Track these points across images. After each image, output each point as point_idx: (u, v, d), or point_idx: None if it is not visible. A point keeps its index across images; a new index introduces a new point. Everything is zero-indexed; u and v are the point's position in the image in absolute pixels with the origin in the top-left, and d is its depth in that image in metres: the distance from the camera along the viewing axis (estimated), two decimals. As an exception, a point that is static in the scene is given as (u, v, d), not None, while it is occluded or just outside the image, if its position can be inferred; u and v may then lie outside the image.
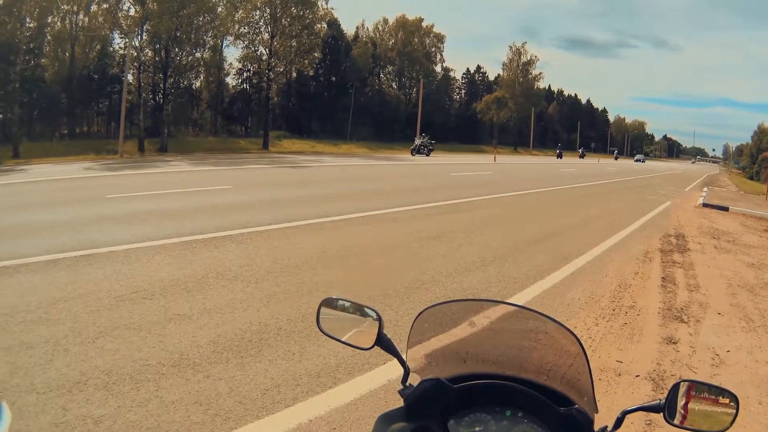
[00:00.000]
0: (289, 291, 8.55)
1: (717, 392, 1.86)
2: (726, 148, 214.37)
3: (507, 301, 2.01)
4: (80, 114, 70.25)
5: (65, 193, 19.58)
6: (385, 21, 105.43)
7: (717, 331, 8.14)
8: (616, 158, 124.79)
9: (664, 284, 10.65)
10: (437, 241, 13.21)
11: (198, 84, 77.35)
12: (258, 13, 64.21)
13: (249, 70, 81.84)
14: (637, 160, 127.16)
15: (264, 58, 67.93)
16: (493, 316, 2.14)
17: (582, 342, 1.89)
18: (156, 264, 9.65)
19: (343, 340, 2.24)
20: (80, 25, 65.27)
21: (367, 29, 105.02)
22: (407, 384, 2.01)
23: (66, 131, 65.28)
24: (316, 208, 16.71)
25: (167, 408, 4.92)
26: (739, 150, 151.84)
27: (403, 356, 2.10)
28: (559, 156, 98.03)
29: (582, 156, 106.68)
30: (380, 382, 5.60)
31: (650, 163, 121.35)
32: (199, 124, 78.84)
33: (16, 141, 44.18)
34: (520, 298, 8.96)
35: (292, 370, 5.80)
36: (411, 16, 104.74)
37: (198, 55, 62.82)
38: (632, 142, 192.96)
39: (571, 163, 75.24)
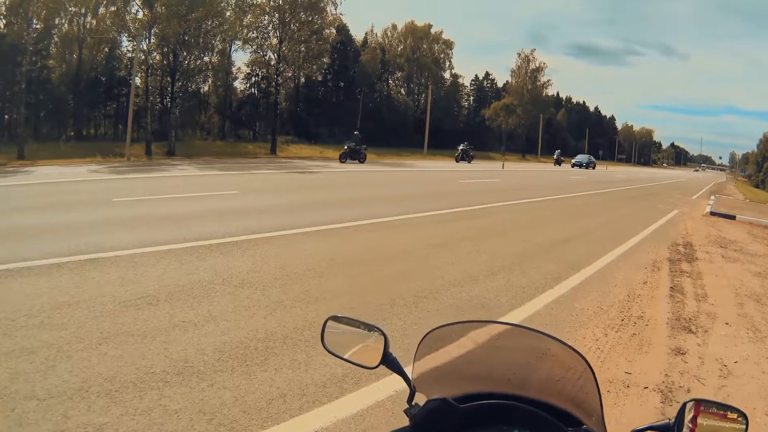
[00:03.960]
0: (295, 298, 8.49)
1: (726, 410, 1.80)
2: (732, 156, 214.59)
3: (514, 322, 1.94)
4: (87, 116, 70.54)
5: (71, 195, 19.57)
6: (394, 27, 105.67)
7: (725, 342, 8.09)
8: (557, 162, 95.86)
9: (672, 294, 10.59)
10: (446, 248, 13.18)
11: (206, 88, 77.74)
12: (266, 18, 64.28)
13: (257, 75, 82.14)
14: (577, 164, 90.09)
15: (272, 62, 67.98)
16: (500, 336, 2.10)
17: (589, 362, 1.84)
18: (162, 269, 9.60)
19: (347, 358, 2.20)
20: (88, 27, 65.57)
21: (376, 35, 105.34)
22: (413, 403, 1.97)
23: (72, 133, 65.40)
24: (324, 214, 16.70)
25: (170, 417, 4.86)
26: (745, 158, 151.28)
27: (409, 375, 2.04)
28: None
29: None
30: (387, 393, 5.51)
31: (650, 172, 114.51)
32: (207, 128, 79.03)
33: (22, 142, 44.07)
34: (529, 308, 8.94)
35: (298, 380, 5.73)
36: (420, 23, 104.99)
37: (206, 59, 62.92)
38: (640, 149, 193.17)
39: (571, 170, 75.02)
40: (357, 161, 48.41)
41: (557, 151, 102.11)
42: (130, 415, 4.83)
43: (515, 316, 8.39)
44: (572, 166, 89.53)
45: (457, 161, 65.47)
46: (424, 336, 2.01)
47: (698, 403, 1.82)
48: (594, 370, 1.81)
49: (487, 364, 2.07)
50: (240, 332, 6.92)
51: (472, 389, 1.94)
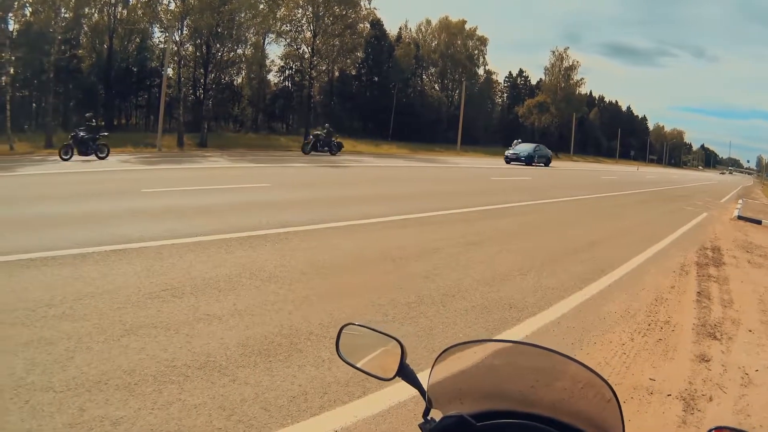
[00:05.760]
0: (322, 294, 8.43)
1: None
2: (759, 160, 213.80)
3: (533, 342, 1.83)
4: (118, 106, 71.28)
5: (99, 185, 19.73)
6: (428, 22, 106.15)
7: (747, 349, 7.95)
8: (518, 158, 62.63)
9: (699, 299, 10.45)
10: (476, 246, 13.13)
11: (239, 80, 78.33)
12: (300, 11, 64.71)
13: (291, 68, 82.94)
14: (512, 158, 62.71)
15: (306, 56, 68.36)
16: (519, 355, 2.00)
17: (613, 387, 1.74)
18: (189, 261, 9.60)
19: (363, 368, 2.13)
20: (118, 17, 66.07)
21: (410, 30, 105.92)
22: (429, 418, 1.90)
23: (103, 123, 65.89)
24: (355, 209, 16.82)
25: (189, 412, 4.80)
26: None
27: (426, 389, 1.96)
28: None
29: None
30: (410, 394, 5.27)
31: (680, 173, 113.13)
32: (240, 120, 79.84)
33: (50, 131, 44.38)
34: (558, 310, 8.84)
35: (320, 378, 5.65)
36: (454, 18, 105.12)
37: (239, 51, 63.40)
38: (671, 151, 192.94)
39: (601, 169, 74.72)
40: (94, 156, 31.71)
41: (516, 141, 72.61)
42: (148, 409, 4.78)
43: (543, 318, 8.33)
44: (507, 161, 62.79)
45: (305, 152, 46.53)
46: (441, 352, 1.93)
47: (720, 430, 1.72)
48: (618, 396, 1.72)
49: (504, 383, 1.98)
50: (264, 327, 6.87)
51: (489, 407, 1.87)
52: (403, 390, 5.43)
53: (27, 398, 4.72)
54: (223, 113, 74.99)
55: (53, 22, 46.62)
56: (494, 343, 2.08)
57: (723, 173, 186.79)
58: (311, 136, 49.04)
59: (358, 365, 2.13)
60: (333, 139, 48.01)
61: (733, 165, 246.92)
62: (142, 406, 4.80)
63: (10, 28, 50.81)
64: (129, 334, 6.27)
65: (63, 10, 50.90)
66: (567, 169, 66.70)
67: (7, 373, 5.14)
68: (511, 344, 2.05)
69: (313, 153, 46.13)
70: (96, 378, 5.20)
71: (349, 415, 5.01)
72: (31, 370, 5.22)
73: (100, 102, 66.82)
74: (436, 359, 1.91)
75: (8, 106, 43.09)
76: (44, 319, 6.44)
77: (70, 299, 7.13)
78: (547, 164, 66.04)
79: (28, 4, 49.76)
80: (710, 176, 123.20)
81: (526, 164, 61.62)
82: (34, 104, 61.82)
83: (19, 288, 7.51)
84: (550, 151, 70.78)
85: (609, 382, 1.74)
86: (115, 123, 68.70)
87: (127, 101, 73.76)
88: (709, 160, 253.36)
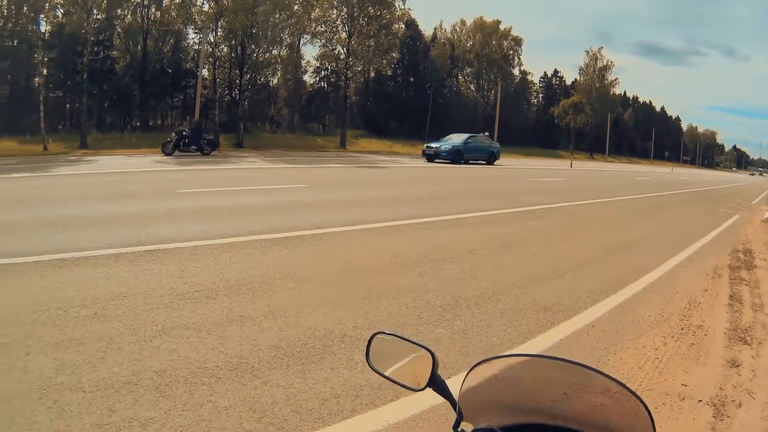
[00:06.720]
0: (357, 296, 8.37)
1: None
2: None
3: (566, 358, 1.79)
4: (153, 107, 71.91)
5: (133, 186, 19.89)
6: (463, 23, 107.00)
7: (775, 355, 7.83)
8: (438, 154, 48.25)
9: (731, 303, 10.30)
10: (510, 248, 13.08)
11: (275, 81, 79.05)
12: (335, 12, 64.91)
13: (327, 69, 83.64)
14: (430, 153, 48.53)
15: (342, 57, 68.61)
16: (550, 369, 1.93)
17: (646, 403, 1.68)
18: (223, 262, 9.59)
19: (393, 378, 2.09)
20: (152, 18, 66.63)
21: (445, 30, 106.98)
22: (459, 430, 1.86)
23: (138, 123, 66.74)
24: (391, 210, 16.77)
25: (219, 414, 4.76)
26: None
27: (456, 400, 1.91)
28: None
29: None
30: (442, 399, 5.27)
31: (713, 174, 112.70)
32: (276, 121, 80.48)
33: (84, 131, 44.77)
34: (592, 313, 8.73)
35: (353, 381, 5.58)
36: (488, 19, 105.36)
37: (275, 52, 63.76)
38: (704, 151, 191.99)
39: (636, 170, 74.27)
40: None
41: (486, 134, 59.35)
42: (178, 410, 4.75)
43: (578, 321, 8.26)
44: (427, 159, 48.93)
45: (166, 153, 37.87)
46: (473, 366, 1.89)
47: None
48: (649, 409, 1.67)
49: (534, 396, 1.92)
50: (298, 329, 6.83)
51: (520, 420, 1.84)
52: (435, 395, 5.39)
53: (56, 398, 4.70)
54: (259, 114, 75.52)
55: (86, 24, 46.82)
56: (524, 357, 2.05)
57: (753, 174, 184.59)
58: (174, 133, 40.83)
59: (389, 374, 2.09)
60: (204, 135, 40.93)
61: (763, 166, 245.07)
62: (172, 408, 4.78)
63: (42, 29, 51.40)
64: (161, 335, 6.27)
65: (95, 11, 51.20)
66: (602, 170, 66.61)
67: (37, 373, 5.13)
68: (540, 358, 2.02)
69: (177, 153, 38.07)
70: (126, 379, 5.18)
71: (380, 420, 4.95)
72: (60, 371, 5.20)
73: (135, 102, 67.48)
74: (468, 372, 1.88)
75: (42, 107, 43.45)
76: (75, 319, 6.44)
77: (102, 300, 7.13)
78: (489, 162, 51.21)
79: (59, 6, 50.19)
80: (743, 177, 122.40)
81: (452, 162, 47.15)
82: (67, 105, 62.53)
83: (52, 288, 7.51)
84: (496, 143, 56.34)
85: (639, 395, 1.70)
86: (151, 123, 69.43)
87: (162, 102, 74.57)
88: (740, 160, 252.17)
